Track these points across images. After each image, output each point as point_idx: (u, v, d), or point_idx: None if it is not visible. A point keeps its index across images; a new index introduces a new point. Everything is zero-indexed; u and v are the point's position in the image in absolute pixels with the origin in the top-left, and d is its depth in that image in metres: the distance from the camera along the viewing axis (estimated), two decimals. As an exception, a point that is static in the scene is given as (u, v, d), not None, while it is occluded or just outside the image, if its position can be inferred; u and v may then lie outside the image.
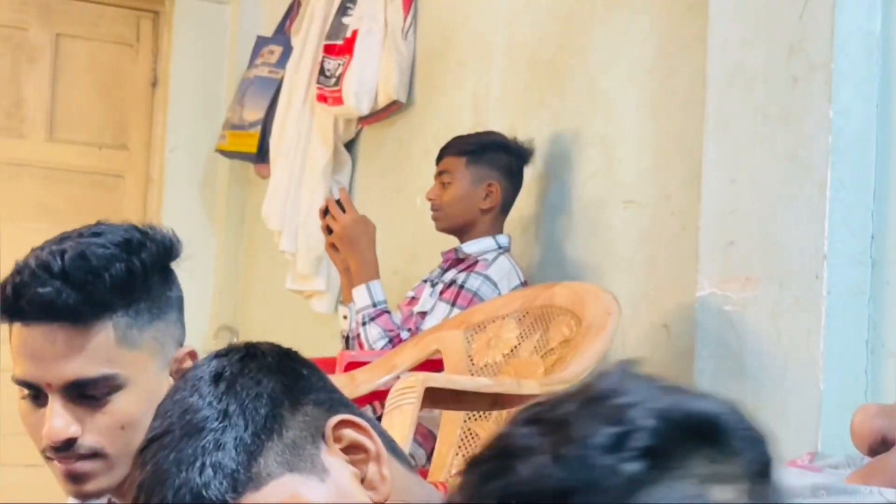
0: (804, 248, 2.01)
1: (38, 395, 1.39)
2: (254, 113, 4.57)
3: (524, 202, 3.00)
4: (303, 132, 4.19)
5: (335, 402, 1.12)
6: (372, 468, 1.08)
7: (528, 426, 0.71)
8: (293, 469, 1.05)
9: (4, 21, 5.07)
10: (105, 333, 1.37)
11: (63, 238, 1.39)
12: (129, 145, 5.27)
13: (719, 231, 2.18)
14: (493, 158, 2.92)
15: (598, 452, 0.68)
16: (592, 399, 0.72)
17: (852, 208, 2.01)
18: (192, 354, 1.50)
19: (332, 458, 1.07)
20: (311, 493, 1.05)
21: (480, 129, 3.12)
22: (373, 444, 1.09)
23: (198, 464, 1.03)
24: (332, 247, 2.98)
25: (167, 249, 1.44)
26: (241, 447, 1.03)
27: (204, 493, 1.02)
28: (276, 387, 1.08)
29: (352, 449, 1.09)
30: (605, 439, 0.68)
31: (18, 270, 1.37)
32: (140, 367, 1.41)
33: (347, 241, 2.88)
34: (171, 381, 1.46)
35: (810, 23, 2.03)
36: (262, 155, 4.49)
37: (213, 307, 4.99)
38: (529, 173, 2.96)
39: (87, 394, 1.37)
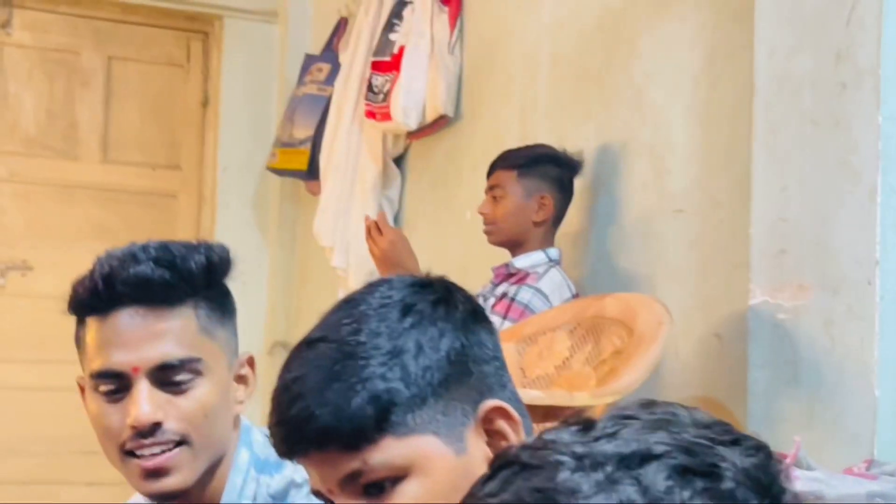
0: (856, 255, 2.00)
1: (118, 388, 1.41)
2: (304, 130, 4.60)
3: (574, 214, 3.00)
4: (352, 148, 4.22)
5: (498, 380, 1.12)
6: None
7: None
8: (438, 433, 1.05)
9: (58, 45, 5.15)
10: (189, 317, 1.42)
11: (133, 243, 1.44)
12: (181, 165, 5.33)
13: (770, 239, 2.17)
14: (544, 171, 2.92)
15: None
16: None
17: (904, 213, 2.00)
18: (251, 361, 1.54)
19: (475, 438, 1.08)
20: (444, 463, 1.05)
21: (528, 142, 3.12)
22: (517, 439, 1.09)
23: (356, 384, 1.04)
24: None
25: (228, 261, 1.48)
26: (403, 390, 1.04)
27: (349, 416, 1.03)
28: (456, 346, 1.08)
29: (496, 435, 1.09)
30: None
31: (102, 262, 1.42)
32: (217, 359, 1.45)
33: (389, 262, 2.90)
34: (235, 385, 1.50)
35: (857, 29, 2.02)
36: (312, 172, 4.53)
37: (266, 324, 5.03)
38: (578, 185, 2.97)
39: (171, 378, 1.41)
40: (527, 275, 2.87)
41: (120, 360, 1.40)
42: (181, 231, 5.22)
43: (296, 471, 1.47)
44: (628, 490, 0.66)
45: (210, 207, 5.27)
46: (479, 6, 3.74)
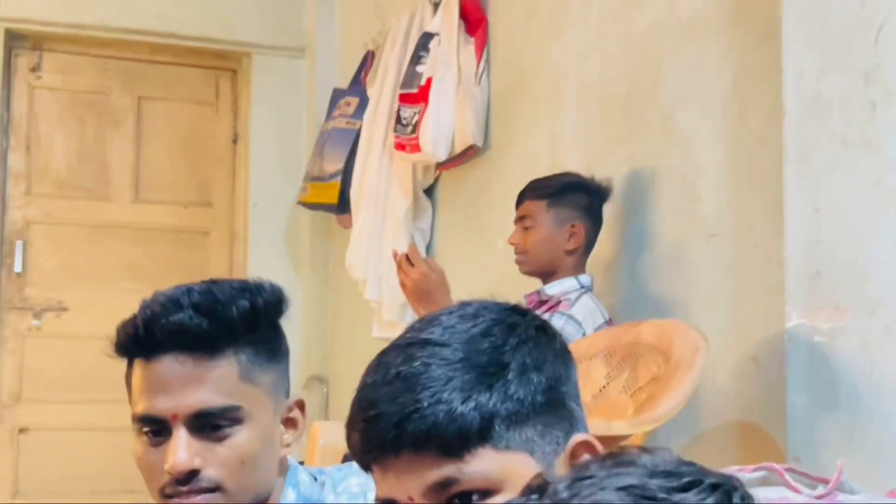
0: (891, 275, 1.99)
1: (159, 431, 1.42)
2: (333, 164, 4.62)
3: (606, 241, 2.99)
4: (382, 181, 4.23)
5: (581, 416, 1.13)
6: None
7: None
8: (533, 453, 1.06)
9: (88, 87, 5.20)
10: (230, 365, 1.42)
11: (179, 286, 1.44)
12: (213, 202, 5.36)
13: (805, 261, 2.15)
14: (573, 199, 2.91)
15: None
16: None
17: (939, 232, 1.98)
18: (300, 403, 1.54)
19: (562, 467, 1.08)
20: None
21: (558, 170, 3.12)
22: None
23: (464, 390, 1.03)
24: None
25: (279, 301, 1.48)
26: (509, 405, 1.05)
27: (457, 418, 1.03)
28: (557, 374, 1.09)
29: None
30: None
31: (146, 306, 1.42)
32: (259, 406, 1.44)
33: (422, 294, 2.87)
34: (282, 429, 1.50)
35: (885, 48, 2.01)
36: (343, 205, 4.54)
37: (301, 358, 5.03)
38: (609, 212, 2.96)
39: (210, 426, 1.41)
40: (559, 302, 2.86)
41: (160, 406, 1.41)
42: (214, 267, 5.25)
43: None
44: None
45: (242, 243, 5.30)
46: (504, 36, 3.75)
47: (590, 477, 0.72)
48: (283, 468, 1.52)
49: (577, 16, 3.31)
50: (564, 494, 0.71)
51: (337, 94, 4.82)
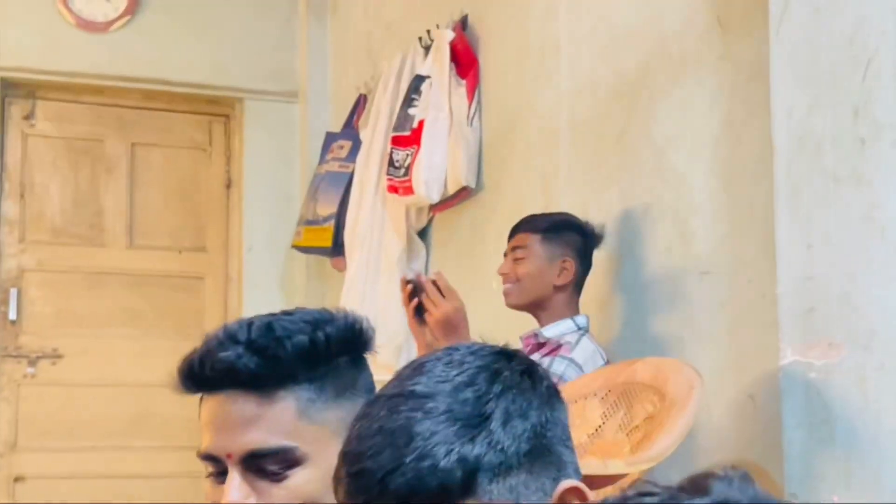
0: (885, 310, 1.99)
1: (220, 472, 1.38)
2: (327, 207, 4.63)
3: (600, 280, 3.00)
4: (376, 223, 4.24)
5: (571, 460, 1.12)
6: None
7: None
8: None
9: (82, 134, 5.22)
10: (286, 404, 1.36)
11: (254, 316, 1.41)
12: (207, 247, 5.37)
13: (798, 297, 2.16)
14: (568, 237, 2.92)
15: None
16: None
17: (931, 266, 1.99)
18: None
19: None
20: None
21: (551, 210, 3.13)
22: None
23: (448, 445, 1.03)
24: (418, 321, 2.84)
25: (356, 332, 1.42)
26: (491, 456, 1.03)
27: (439, 474, 1.02)
28: (542, 420, 1.08)
29: None
30: None
31: (207, 340, 1.39)
32: (322, 445, 1.37)
33: (449, 327, 2.76)
34: None
35: (874, 84, 2.03)
36: (337, 248, 4.55)
37: (297, 402, 5.01)
38: (603, 250, 2.97)
39: (266, 466, 1.36)
40: (559, 345, 2.85)
41: (216, 444, 1.37)
42: (209, 312, 5.24)
43: None
44: None
45: (237, 288, 5.30)
46: (496, 78, 3.77)
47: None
48: None
49: (567, 57, 3.34)
50: None
51: (330, 138, 4.84)
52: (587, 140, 3.21)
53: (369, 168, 4.30)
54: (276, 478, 1.37)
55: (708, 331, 2.67)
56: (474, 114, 3.79)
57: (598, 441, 2.36)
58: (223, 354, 1.35)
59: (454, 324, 2.74)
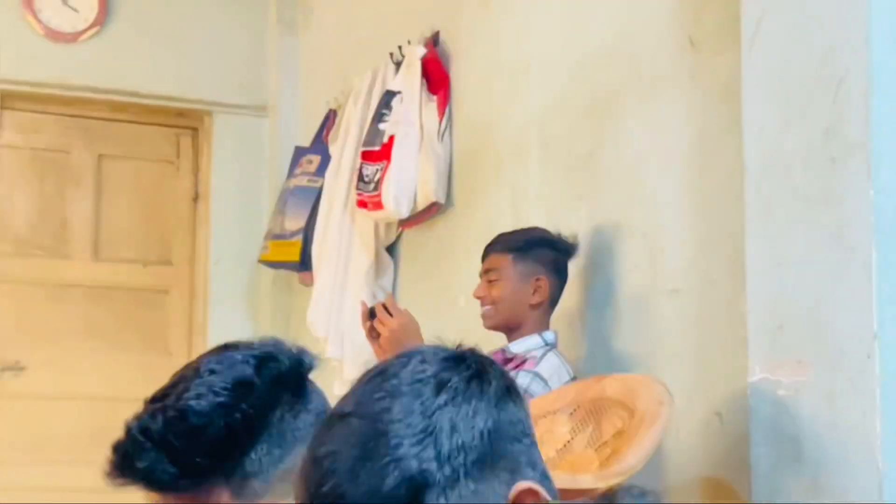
0: (854, 329, 2.00)
1: None
2: (295, 222, 4.62)
3: (568, 296, 3.00)
4: (344, 238, 4.23)
5: (529, 458, 1.09)
6: None
7: None
8: None
9: (48, 145, 5.18)
10: (218, 492, 1.33)
11: (178, 380, 1.35)
12: (172, 260, 5.34)
13: (767, 316, 2.17)
14: (540, 254, 2.92)
15: None
16: None
17: (900, 286, 2.00)
18: None
19: None
20: None
21: (521, 226, 3.13)
22: None
23: (388, 464, 1.01)
24: (375, 345, 2.95)
25: (289, 375, 1.37)
26: (436, 471, 1.02)
27: (380, 496, 1.00)
28: (490, 426, 1.06)
29: None
30: None
31: (126, 433, 1.33)
32: None
33: (397, 344, 2.86)
34: None
35: (845, 104, 2.04)
36: (304, 263, 4.54)
37: (262, 417, 4.99)
38: (573, 268, 2.97)
39: None
40: (524, 360, 2.86)
41: None
42: (174, 326, 5.22)
43: None
44: None
45: (202, 302, 5.27)
46: (467, 94, 3.78)
47: None
48: None
49: (539, 74, 3.35)
50: None
51: (299, 152, 4.83)
52: (557, 157, 3.22)
53: (338, 183, 4.29)
54: None
55: (677, 348, 2.68)
56: (445, 130, 3.80)
57: (567, 456, 2.36)
58: (139, 464, 1.30)
59: (401, 340, 2.81)
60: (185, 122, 5.41)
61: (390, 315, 2.87)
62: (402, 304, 3.99)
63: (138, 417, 1.34)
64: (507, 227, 3.20)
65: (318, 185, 4.55)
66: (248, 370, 1.34)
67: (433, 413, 1.04)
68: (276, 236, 4.71)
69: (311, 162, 4.69)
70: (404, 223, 4.03)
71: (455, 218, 3.79)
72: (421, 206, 3.82)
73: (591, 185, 3.05)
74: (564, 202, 3.16)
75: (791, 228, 2.12)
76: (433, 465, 1.02)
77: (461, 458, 1.03)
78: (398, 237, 4.19)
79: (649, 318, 2.79)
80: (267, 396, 1.34)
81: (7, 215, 5.09)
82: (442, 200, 3.78)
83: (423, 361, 1.09)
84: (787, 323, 2.12)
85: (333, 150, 4.45)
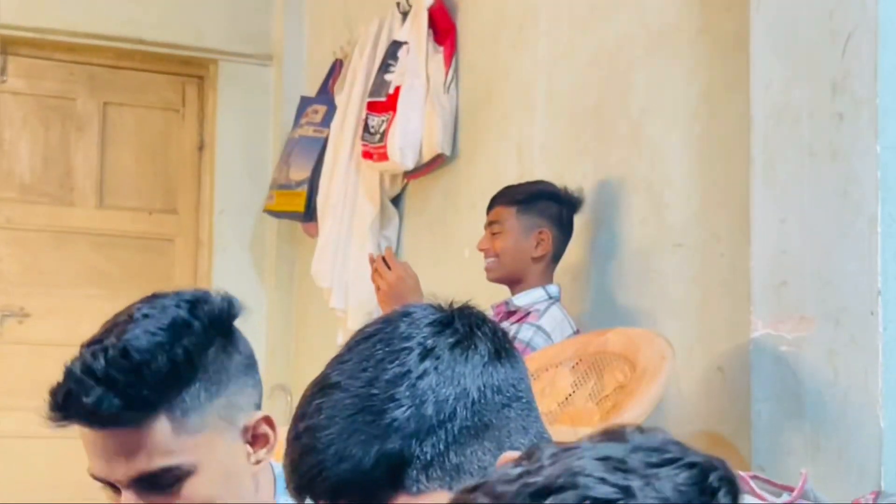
0: (857, 285, 2.00)
1: (114, 487, 1.38)
2: (300, 172, 4.61)
3: (573, 250, 2.99)
4: (349, 189, 4.22)
5: (520, 424, 1.06)
6: None
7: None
8: (454, 489, 1.00)
9: (53, 92, 5.16)
10: (160, 427, 1.34)
11: (112, 325, 1.38)
12: (178, 209, 5.33)
13: (771, 271, 2.16)
14: (544, 207, 2.91)
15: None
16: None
17: (904, 243, 1.99)
18: (268, 421, 1.47)
19: None
20: None
21: (525, 179, 3.12)
22: None
23: (371, 439, 0.99)
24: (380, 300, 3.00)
25: (220, 318, 1.41)
26: (418, 446, 1.00)
27: (361, 471, 0.99)
28: (474, 396, 1.03)
29: None
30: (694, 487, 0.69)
31: (66, 374, 1.35)
32: (206, 450, 1.38)
33: (395, 297, 2.88)
34: (247, 449, 1.44)
35: (853, 59, 2.03)
36: (309, 214, 4.53)
37: (266, 367, 5.00)
38: (577, 221, 2.96)
39: (156, 485, 1.36)
40: (528, 313, 2.86)
41: (100, 471, 1.37)
42: (178, 275, 5.22)
43: None
44: None
45: (207, 251, 5.27)
46: (473, 45, 3.76)
47: (576, 448, 0.71)
48: (262, 482, 1.47)
49: (546, 26, 3.32)
50: (546, 462, 0.71)
51: (304, 102, 4.81)
52: (563, 109, 3.21)
53: (344, 133, 4.27)
54: (171, 490, 1.37)
55: (679, 303, 2.68)
56: (451, 81, 3.78)
57: (568, 409, 2.36)
58: (85, 400, 1.32)
59: (400, 294, 2.87)
60: (190, 71, 5.38)
61: (388, 268, 2.91)
62: (407, 255, 4.01)
63: (77, 359, 1.35)
64: (513, 179, 3.19)
65: (323, 135, 4.54)
66: (183, 312, 1.37)
67: (416, 384, 1.01)
68: (281, 186, 4.70)
69: (316, 112, 4.67)
70: (409, 175, 4.02)
71: (460, 170, 3.78)
72: (426, 157, 3.80)
73: (596, 137, 3.04)
74: (570, 155, 3.15)
75: (796, 184, 2.11)
76: (415, 441, 1.00)
77: (443, 432, 1.01)
78: (403, 189, 4.18)
79: (653, 273, 2.79)
80: (203, 335, 1.38)
81: (12, 162, 5.08)
82: (447, 152, 3.77)
83: (410, 325, 1.06)
84: (790, 279, 2.12)
85: (339, 100, 4.43)
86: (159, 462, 1.35)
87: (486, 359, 1.05)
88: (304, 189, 4.57)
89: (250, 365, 1.47)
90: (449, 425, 1.01)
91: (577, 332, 2.81)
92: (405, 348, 1.03)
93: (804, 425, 2.08)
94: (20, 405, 4.90)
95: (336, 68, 4.68)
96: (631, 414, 2.08)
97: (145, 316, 1.36)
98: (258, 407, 1.46)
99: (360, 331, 1.09)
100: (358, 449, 0.99)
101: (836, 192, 2.04)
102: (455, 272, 3.62)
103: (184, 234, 5.33)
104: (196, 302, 1.39)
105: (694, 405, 2.58)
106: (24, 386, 4.87)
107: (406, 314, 1.08)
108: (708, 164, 2.62)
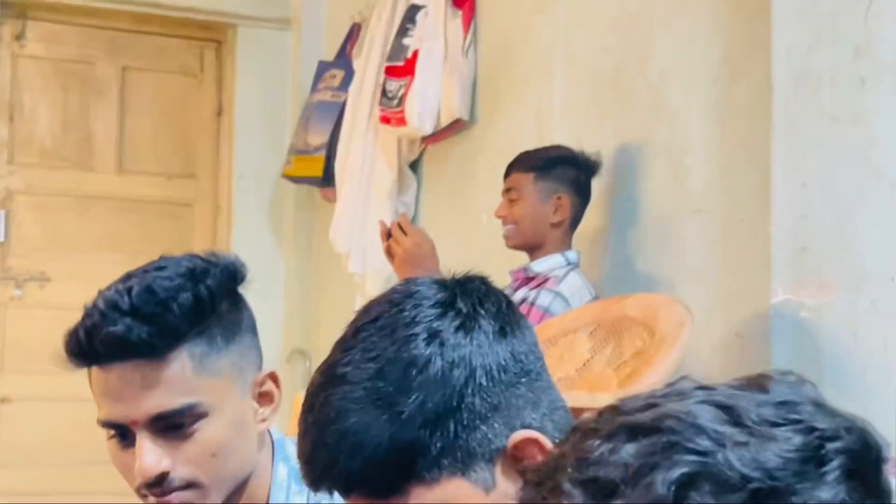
0: (878, 251, 1.98)
1: (124, 434, 1.39)
2: (318, 137, 4.60)
3: (592, 216, 2.98)
4: (367, 154, 4.21)
5: (530, 400, 1.06)
6: None
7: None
8: (466, 474, 1.01)
9: (72, 56, 5.16)
10: (181, 363, 1.37)
11: (128, 276, 1.40)
12: (197, 174, 5.34)
13: (791, 237, 2.15)
14: (561, 173, 2.90)
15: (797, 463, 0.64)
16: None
17: (926, 209, 1.98)
18: (273, 377, 1.50)
19: (506, 470, 1.03)
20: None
21: (544, 144, 3.10)
22: None
23: (380, 433, 1.00)
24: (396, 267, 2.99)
25: (232, 274, 1.44)
26: (428, 437, 1.00)
27: (375, 465, 0.99)
28: (482, 381, 1.02)
29: (528, 462, 1.03)
30: (805, 452, 0.64)
31: (88, 313, 1.37)
32: (222, 394, 1.41)
33: (411, 264, 2.87)
34: (254, 405, 1.47)
35: (875, 23, 2.01)
36: (327, 179, 4.52)
37: (284, 331, 5.02)
38: (596, 186, 2.95)
39: (172, 426, 1.37)
40: (546, 279, 2.85)
41: (117, 413, 1.38)
42: (197, 240, 5.23)
43: None
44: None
45: (226, 216, 5.28)
46: (492, 9, 3.73)
47: (696, 390, 0.69)
48: (263, 442, 1.49)
49: (565, -11, 3.30)
50: (658, 399, 0.68)
51: (322, 67, 4.79)
52: (583, 74, 3.19)
53: (362, 98, 4.26)
54: (185, 434, 1.38)
55: (699, 269, 2.67)
56: (469, 45, 3.76)
57: (586, 375, 2.36)
58: (112, 329, 1.34)
59: (417, 260, 2.87)
60: (209, 35, 5.37)
61: (405, 234, 2.90)
62: (425, 221, 4.00)
63: (98, 300, 1.38)
64: (531, 144, 3.17)
65: (341, 100, 4.52)
66: (199, 262, 1.41)
67: (423, 372, 1.01)
68: (299, 151, 4.69)
69: (334, 77, 4.66)
70: (427, 140, 4.00)
71: (479, 135, 3.76)
72: (444, 122, 3.79)
73: (616, 102, 3.01)
74: (589, 120, 3.13)
75: (818, 149, 2.10)
76: (425, 432, 1.00)
77: (453, 419, 1.00)
78: (421, 154, 4.16)
79: (672, 239, 2.77)
80: (220, 281, 1.41)
81: (32, 126, 5.09)
82: (466, 117, 3.75)
83: (414, 307, 1.05)
84: (811, 244, 2.10)
85: (357, 65, 4.42)
86: (180, 400, 1.37)
87: (490, 338, 1.05)
88: (322, 154, 4.57)
89: (254, 327, 1.50)
90: (458, 412, 1.01)
91: (595, 298, 2.80)
92: (410, 335, 1.03)
93: (824, 391, 2.06)
94: (41, 369, 4.92)
95: (354, 32, 4.66)
96: (649, 381, 2.08)
97: (159, 268, 1.40)
98: (259, 369, 1.49)
99: (365, 311, 1.08)
100: (369, 441, 0.99)
101: (858, 157, 2.02)
102: (473, 238, 3.61)
103: (202, 200, 5.33)
104: (207, 259, 1.43)
105: (712, 371, 2.57)
106: (44, 349, 4.89)
107: (410, 294, 1.07)
108: (728, 128, 2.60)
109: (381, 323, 1.05)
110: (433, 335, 1.02)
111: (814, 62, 2.11)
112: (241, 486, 1.45)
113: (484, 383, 1.02)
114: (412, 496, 1.00)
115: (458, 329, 1.04)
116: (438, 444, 1.00)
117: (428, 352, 1.01)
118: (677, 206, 2.76)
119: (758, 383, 0.69)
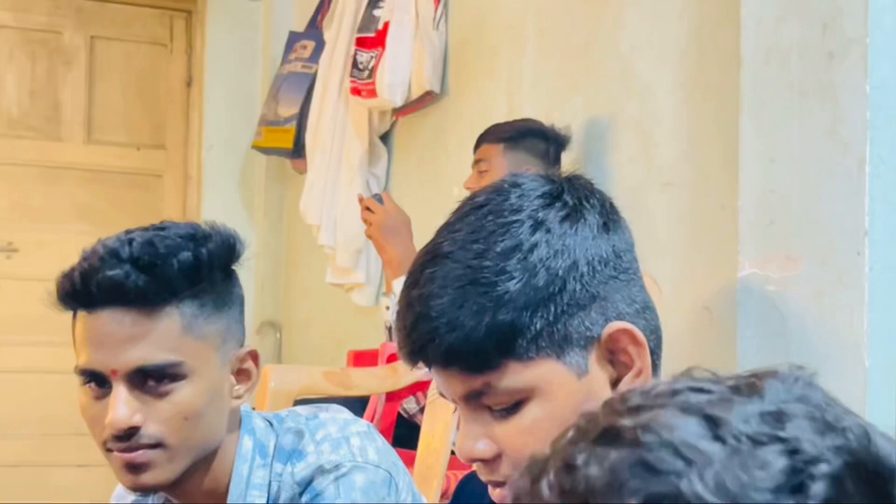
0: (845, 225, 2.00)
1: (101, 384, 1.39)
2: (289, 108, 4.58)
3: (561, 188, 2.98)
4: (338, 126, 4.20)
5: (626, 296, 1.09)
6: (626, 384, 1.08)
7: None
8: (560, 357, 1.05)
9: (39, 25, 5.11)
10: (171, 319, 1.38)
11: (128, 231, 1.41)
12: (166, 145, 5.31)
13: (759, 210, 2.16)
14: (531, 145, 2.90)
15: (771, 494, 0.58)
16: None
17: (892, 183, 1.99)
18: (254, 355, 1.51)
19: (599, 359, 1.07)
20: (565, 387, 1.05)
21: (515, 117, 3.11)
22: (641, 362, 1.08)
23: (481, 310, 1.03)
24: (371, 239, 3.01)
25: (231, 247, 1.45)
26: (527, 316, 1.03)
27: (473, 341, 1.03)
28: (583, 269, 1.05)
29: (621, 354, 1.08)
30: (781, 478, 0.59)
31: (86, 257, 1.38)
32: (204, 359, 1.41)
33: (385, 233, 2.89)
34: (231, 380, 1.47)
35: (844, -2, 2.01)
36: (298, 150, 4.51)
37: (254, 303, 5.01)
38: (566, 159, 2.95)
39: (151, 381, 1.38)
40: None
41: (99, 360, 1.38)
42: (167, 210, 5.21)
43: (320, 456, 1.46)
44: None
45: (196, 187, 5.26)
46: (463, -19, 3.72)
47: (679, 392, 0.64)
48: (236, 420, 1.50)
49: (536, -39, 3.29)
50: (649, 400, 0.64)
51: (293, 38, 4.77)
52: (553, 46, 3.19)
53: (333, 69, 4.24)
54: (161, 392, 1.39)
55: (667, 242, 2.68)
56: (440, 17, 3.75)
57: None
58: (110, 273, 1.35)
59: (391, 229, 2.89)
60: (178, 5, 5.33)
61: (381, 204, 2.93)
62: (396, 193, 4.00)
63: (98, 246, 1.38)
64: (502, 117, 3.17)
65: (312, 71, 4.51)
66: (201, 227, 1.43)
67: (526, 257, 1.04)
68: (269, 122, 4.67)
69: (305, 47, 4.64)
70: (398, 112, 4.00)
71: (449, 107, 3.76)
72: (415, 94, 3.78)
73: (586, 75, 3.02)
74: (559, 93, 3.13)
75: (786, 123, 2.10)
76: (524, 312, 1.03)
77: (553, 304, 1.03)
78: (392, 125, 4.16)
79: (641, 212, 2.78)
80: (220, 249, 1.43)
81: (-2, 96, 5.05)
82: (436, 89, 3.75)
83: (520, 196, 1.08)
84: (778, 218, 2.11)
85: (328, 36, 4.40)
86: (163, 356, 1.38)
87: (594, 231, 1.08)
88: (292, 125, 4.55)
89: (243, 304, 1.51)
90: (559, 297, 1.04)
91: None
92: (516, 221, 1.06)
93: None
94: (9, 340, 4.91)
95: (325, 3, 4.64)
96: (617, 352, 2.09)
97: (162, 228, 1.41)
98: (241, 346, 1.50)
99: (470, 199, 1.12)
100: (470, 319, 1.03)
101: (826, 132, 2.03)
102: (443, 209, 3.59)
103: (172, 170, 5.31)
104: (211, 226, 1.45)
105: (680, 344, 2.59)
106: (12, 321, 4.87)
107: (515, 184, 1.10)
108: (697, 102, 2.61)
109: (486, 209, 1.08)
110: (539, 223, 1.06)
111: (782, 37, 2.12)
112: (205, 461, 1.45)
113: (585, 273, 1.05)
114: (507, 372, 1.04)
115: (563, 220, 1.07)
116: (538, 326, 1.03)
117: (533, 238, 1.05)
118: (646, 180, 2.77)
119: (755, 385, 0.66)
